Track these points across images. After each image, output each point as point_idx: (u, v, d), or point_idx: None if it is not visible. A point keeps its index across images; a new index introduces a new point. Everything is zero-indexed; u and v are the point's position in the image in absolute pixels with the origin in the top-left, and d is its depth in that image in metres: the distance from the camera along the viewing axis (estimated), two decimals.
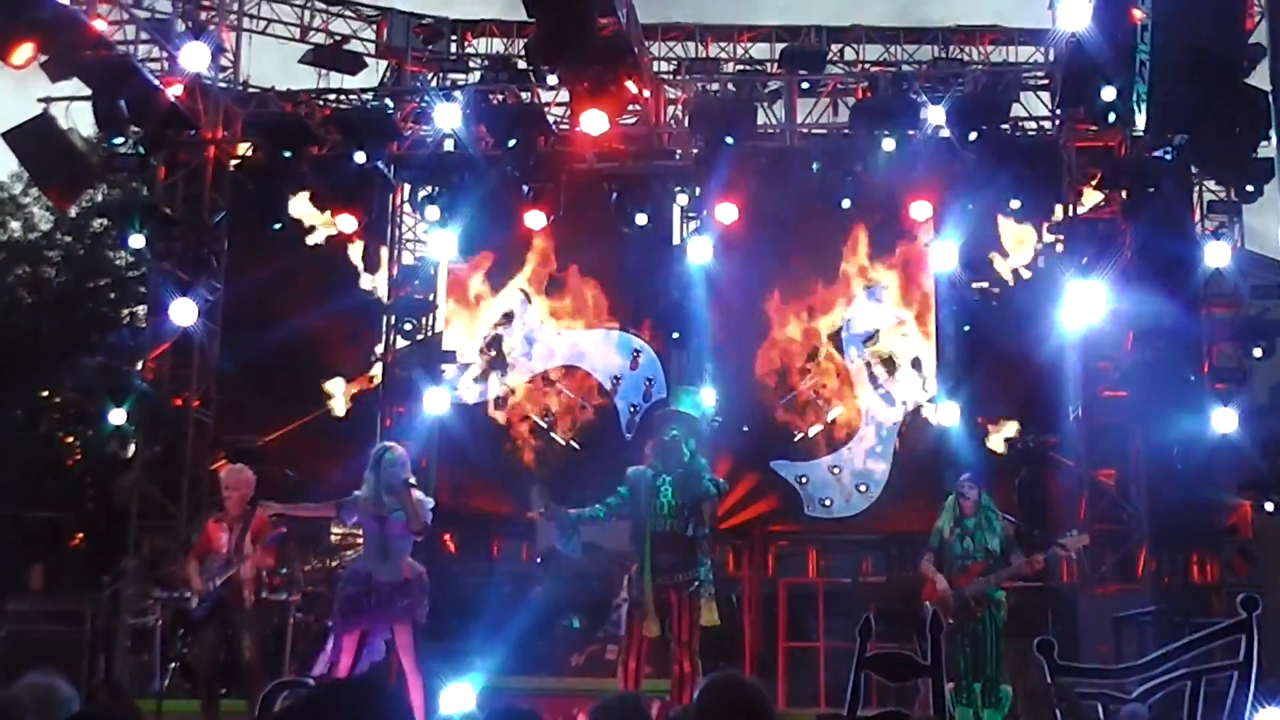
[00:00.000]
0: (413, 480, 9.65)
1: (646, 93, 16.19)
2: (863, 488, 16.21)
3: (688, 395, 10.47)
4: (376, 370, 17.11)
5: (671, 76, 17.82)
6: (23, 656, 13.21)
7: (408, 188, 17.26)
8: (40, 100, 15.27)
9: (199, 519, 11.96)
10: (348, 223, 16.03)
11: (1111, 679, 8.33)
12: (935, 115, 15.23)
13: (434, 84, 17.78)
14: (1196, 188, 16.45)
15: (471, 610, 15.12)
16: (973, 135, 14.98)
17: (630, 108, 16.24)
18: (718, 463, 13.16)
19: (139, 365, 15.90)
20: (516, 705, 5.61)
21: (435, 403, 15.98)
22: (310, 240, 16.63)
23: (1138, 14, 11.23)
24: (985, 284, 16.21)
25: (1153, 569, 14.99)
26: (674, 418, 10.10)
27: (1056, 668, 7.90)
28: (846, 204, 15.51)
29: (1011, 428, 15.86)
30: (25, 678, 4.41)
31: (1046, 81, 16.96)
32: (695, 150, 16.15)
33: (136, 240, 15.41)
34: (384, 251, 17.27)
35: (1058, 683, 7.87)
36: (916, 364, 16.32)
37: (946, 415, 15.49)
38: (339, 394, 16.89)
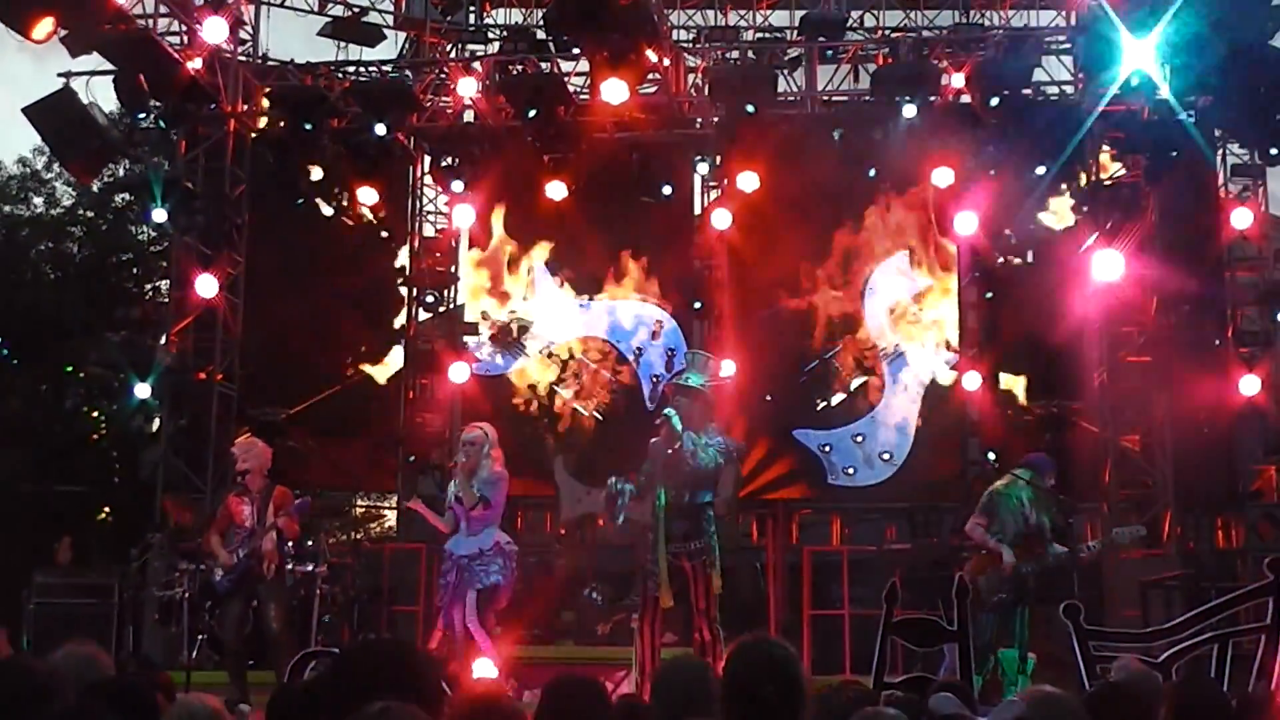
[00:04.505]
0: (496, 453, 10.17)
1: (666, 61, 16.14)
2: (886, 456, 16.19)
3: (695, 358, 10.50)
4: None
5: (691, 45, 17.77)
6: (52, 629, 13.37)
7: (428, 159, 17.26)
8: (61, 75, 15.29)
9: (224, 492, 12.01)
10: (369, 195, 16.04)
11: (1138, 642, 8.36)
12: (956, 81, 15.17)
13: (453, 55, 17.75)
14: (1220, 151, 16.34)
15: None
16: (994, 100, 14.89)
17: (650, 77, 16.20)
18: (741, 433, 13.20)
19: (162, 340, 15.95)
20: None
21: (457, 374, 16.01)
22: (332, 211, 16.60)
23: None
24: (1008, 250, 16.16)
25: (1178, 534, 14.97)
26: (670, 396, 10.20)
27: (1084, 632, 7.93)
28: (873, 173, 15.46)
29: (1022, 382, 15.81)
30: (65, 647, 4.43)
31: (1068, 45, 16.85)
32: (716, 119, 16.12)
33: (159, 215, 15.45)
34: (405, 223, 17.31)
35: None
36: (939, 332, 16.27)
37: (969, 383, 15.46)
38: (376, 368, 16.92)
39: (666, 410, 9.97)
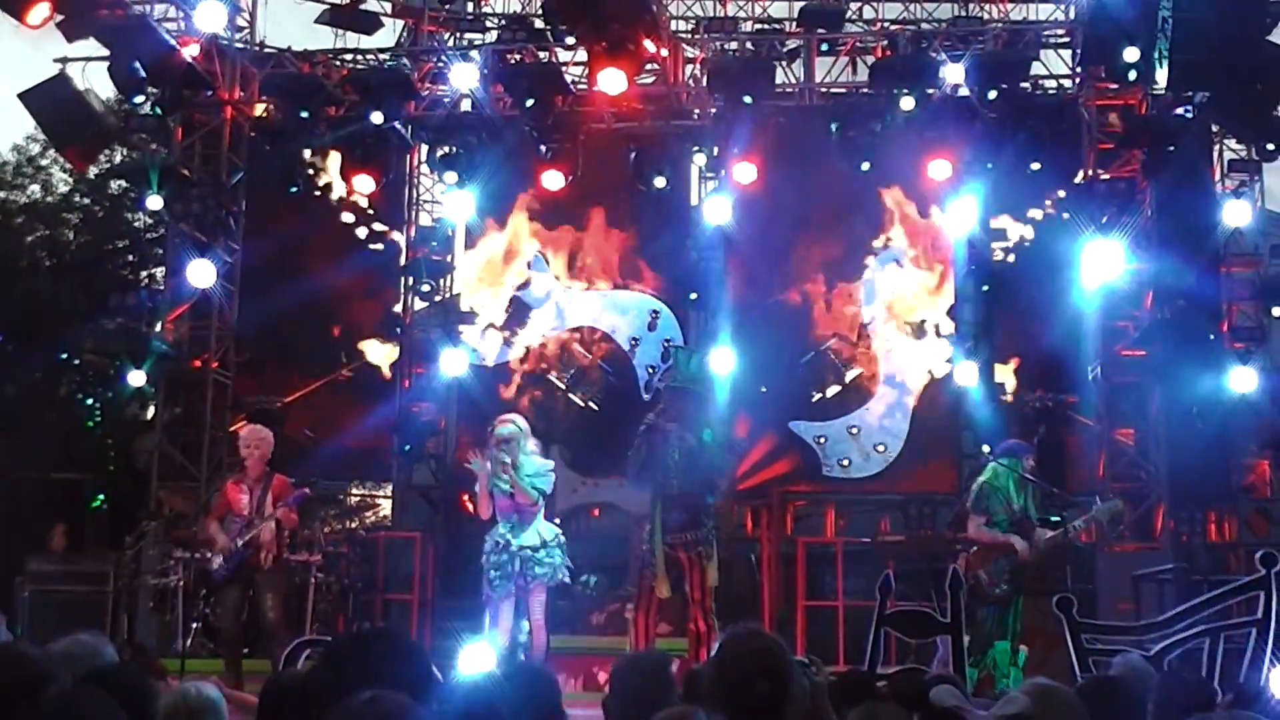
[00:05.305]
0: (533, 446, 9.92)
1: (664, 52, 16.14)
2: (881, 447, 16.20)
3: (685, 355, 10.52)
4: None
5: (689, 35, 17.76)
6: (46, 616, 13.39)
7: (425, 148, 17.24)
8: (56, 61, 15.28)
9: (219, 480, 12.02)
10: (365, 183, 16.03)
11: (1131, 635, 8.39)
12: (954, 74, 15.15)
13: (451, 44, 17.74)
14: (1217, 146, 16.35)
15: None
16: (992, 94, 14.92)
17: (648, 67, 16.20)
18: (737, 424, 13.22)
19: (158, 327, 15.94)
20: (533, 666, 5.69)
21: (453, 364, 16.01)
22: (329, 200, 16.57)
23: None
24: (1004, 244, 16.19)
25: (1171, 527, 15.00)
26: (661, 396, 10.31)
27: (1076, 624, 7.96)
28: (866, 166, 15.45)
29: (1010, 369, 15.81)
30: (70, 636, 4.43)
31: (1067, 39, 16.86)
32: (713, 110, 16.12)
33: (154, 202, 15.45)
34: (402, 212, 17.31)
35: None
36: (935, 324, 16.27)
37: (965, 376, 15.47)
38: (377, 355, 16.86)
39: (649, 417, 10.04)
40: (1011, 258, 16.14)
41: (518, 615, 10.00)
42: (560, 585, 10.18)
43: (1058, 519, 11.23)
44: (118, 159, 22.28)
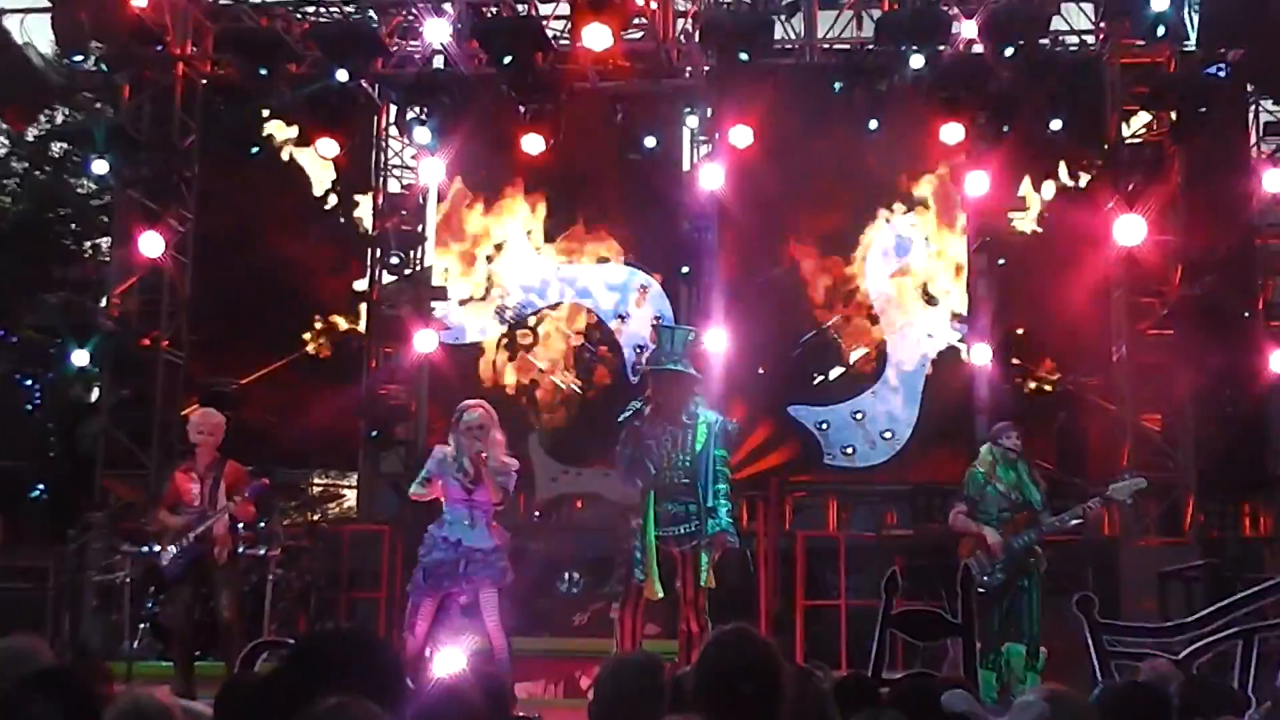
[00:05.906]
0: (500, 437, 9.88)
1: (654, 4, 16.11)
2: (888, 434, 16.22)
3: (670, 334, 10.46)
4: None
5: None
6: None
7: (394, 109, 17.19)
8: None
9: (170, 468, 12.00)
10: (329, 147, 15.98)
11: (1156, 637, 8.41)
12: (968, 29, 15.14)
13: None
14: (1252, 108, 16.36)
15: None
16: (1009, 51, 14.88)
17: (636, 21, 16.17)
18: (731, 408, 13.21)
19: (103, 302, 15.91)
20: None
21: (424, 342, 15.99)
22: (290, 165, 16.54)
23: None
24: (1021, 214, 16.19)
25: (1200, 521, 15.04)
26: (646, 380, 10.26)
27: (1097, 625, 7.98)
28: (874, 125, 15.40)
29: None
30: (5, 637, 4.44)
31: None
32: (707, 68, 16.08)
33: (100, 166, 15.42)
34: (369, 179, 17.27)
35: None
36: (947, 301, 16.28)
37: (979, 356, 15.48)
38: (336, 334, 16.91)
39: (634, 403, 10.00)
40: (1029, 229, 16.14)
41: (448, 616, 9.95)
42: (512, 585, 10.09)
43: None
44: (59, 119, 22.21)
